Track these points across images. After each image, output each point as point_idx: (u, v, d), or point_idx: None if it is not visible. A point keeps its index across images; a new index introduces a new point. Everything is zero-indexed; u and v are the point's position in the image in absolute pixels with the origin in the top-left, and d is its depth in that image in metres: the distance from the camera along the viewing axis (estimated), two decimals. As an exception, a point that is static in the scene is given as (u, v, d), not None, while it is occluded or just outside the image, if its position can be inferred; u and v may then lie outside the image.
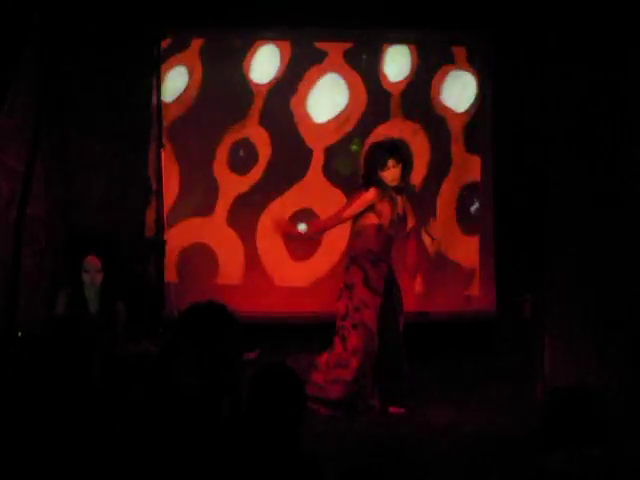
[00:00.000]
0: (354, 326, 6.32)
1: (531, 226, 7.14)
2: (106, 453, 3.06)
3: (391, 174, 6.28)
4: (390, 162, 6.27)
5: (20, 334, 5.69)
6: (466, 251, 7.75)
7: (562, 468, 3.10)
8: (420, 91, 7.70)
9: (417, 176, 7.57)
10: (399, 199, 6.39)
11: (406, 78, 7.69)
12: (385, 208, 6.32)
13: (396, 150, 6.37)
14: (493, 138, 7.60)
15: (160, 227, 7.11)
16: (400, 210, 6.41)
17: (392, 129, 7.55)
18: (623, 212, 6.54)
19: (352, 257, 6.40)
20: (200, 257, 7.59)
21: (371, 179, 6.33)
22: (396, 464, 5.02)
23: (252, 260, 7.61)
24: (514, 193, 7.36)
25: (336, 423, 6.07)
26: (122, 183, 7.34)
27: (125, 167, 7.35)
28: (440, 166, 7.73)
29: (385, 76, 7.68)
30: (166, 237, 7.06)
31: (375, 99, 7.67)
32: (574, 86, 6.62)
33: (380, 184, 6.30)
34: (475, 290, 7.71)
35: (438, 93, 7.72)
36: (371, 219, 6.32)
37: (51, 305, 6.37)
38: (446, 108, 7.72)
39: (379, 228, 6.32)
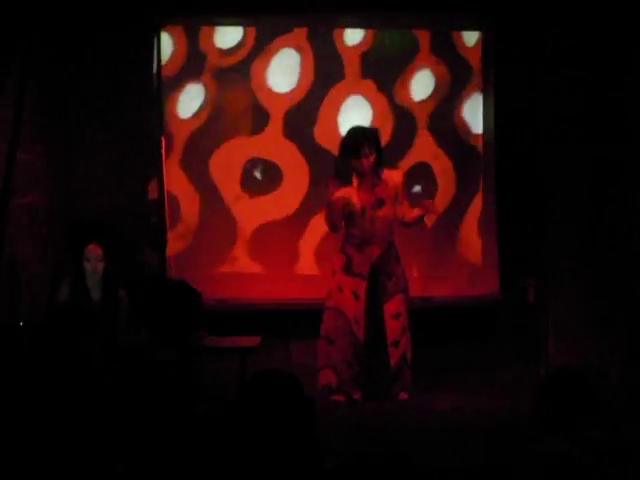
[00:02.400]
0: (325, 310, 6.35)
1: (534, 211, 7.12)
2: (103, 439, 3.06)
3: (362, 163, 6.22)
4: (364, 150, 6.20)
5: (22, 323, 5.70)
6: (469, 236, 7.74)
7: (562, 451, 3.09)
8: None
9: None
10: (381, 181, 6.31)
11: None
12: (357, 192, 6.27)
13: (370, 138, 6.27)
14: (495, 127, 7.56)
15: (162, 215, 7.13)
16: (382, 194, 6.31)
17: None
18: (626, 197, 6.53)
19: (341, 243, 6.42)
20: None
21: (341, 166, 6.31)
22: (397, 450, 5.01)
23: (263, 249, 7.62)
24: (516, 179, 7.33)
25: (337, 410, 6.09)
26: (123, 171, 7.32)
27: (126, 155, 7.32)
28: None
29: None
30: (167, 225, 7.08)
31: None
32: (575, 81, 6.62)
33: (350, 171, 6.26)
34: (479, 275, 7.69)
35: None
36: (348, 205, 6.29)
37: (53, 294, 6.37)
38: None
39: (354, 212, 6.28)
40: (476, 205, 7.69)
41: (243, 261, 7.59)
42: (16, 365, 4.12)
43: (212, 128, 7.48)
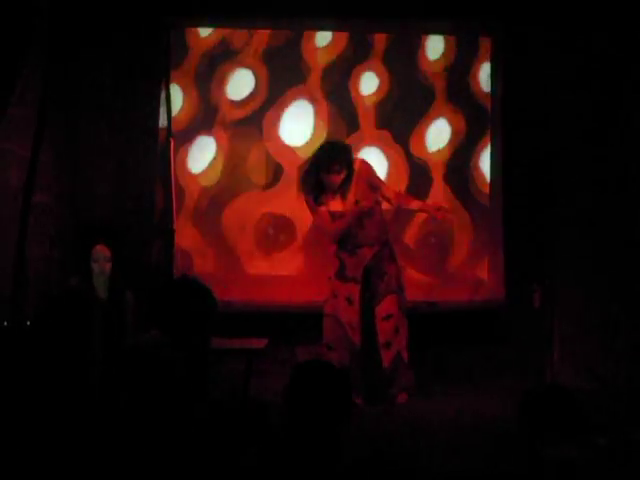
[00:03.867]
0: (324, 317, 6.36)
1: (542, 216, 7.12)
2: (100, 437, 3.05)
3: (332, 179, 6.19)
4: (334, 167, 6.16)
5: (29, 323, 5.70)
6: (475, 241, 7.73)
7: (566, 456, 3.09)
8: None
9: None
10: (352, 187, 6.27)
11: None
12: (330, 200, 6.28)
13: (341, 155, 6.21)
14: (502, 127, 7.56)
15: (169, 216, 7.14)
16: (358, 197, 6.26)
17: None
18: (633, 203, 6.54)
19: (335, 248, 6.41)
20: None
21: (309, 180, 6.29)
22: (401, 454, 5.03)
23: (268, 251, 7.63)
24: (523, 181, 7.33)
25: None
26: (131, 172, 7.34)
27: (134, 156, 7.34)
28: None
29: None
30: (175, 226, 7.10)
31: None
32: (581, 77, 6.63)
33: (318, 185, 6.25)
34: (484, 279, 7.69)
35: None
36: (334, 207, 6.29)
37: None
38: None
39: (341, 214, 6.27)
40: (482, 209, 7.71)
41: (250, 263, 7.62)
42: (23, 364, 4.12)
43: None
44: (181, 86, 7.50)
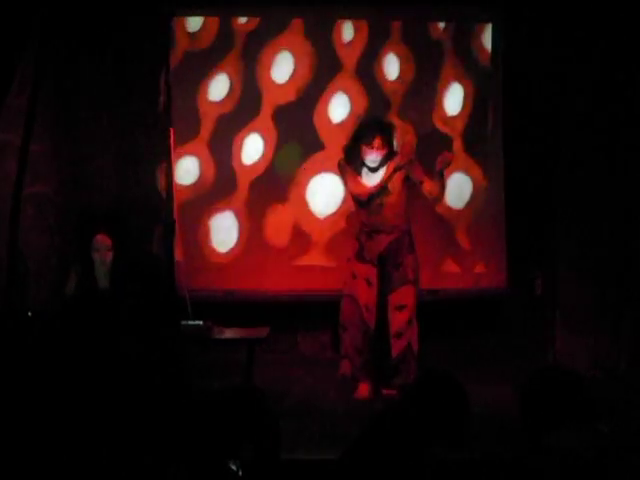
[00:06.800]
0: (343, 297, 6.33)
1: (543, 203, 7.12)
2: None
3: (373, 152, 6.14)
4: (376, 141, 6.13)
5: (30, 313, 5.71)
6: (477, 228, 7.73)
7: (570, 445, 3.08)
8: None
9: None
10: (386, 167, 6.22)
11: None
12: (364, 178, 6.25)
13: (385, 131, 6.18)
14: (503, 116, 7.55)
15: (169, 206, 7.12)
16: (389, 181, 6.21)
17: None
18: (637, 190, 6.54)
19: (356, 231, 6.40)
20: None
21: (350, 151, 6.25)
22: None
23: (265, 238, 7.64)
24: (525, 170, 7.32)
25: (355, 402, 6.13)
26: (132, 162, 7.34)
27: (134, 146, 7.34)
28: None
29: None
30: (175, 217, 7.08)
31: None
32: (585, 67, 6.61)
33: (359, 157, 6.20)
34: (486, 267, 7.68)
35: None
36: (354, 191, 6.28)
37: (61, 284, 6.39)
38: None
39: (362, 199, 6.25)
40: (484, 197, 7.70)
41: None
42: (25, 355, 4.13)
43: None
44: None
